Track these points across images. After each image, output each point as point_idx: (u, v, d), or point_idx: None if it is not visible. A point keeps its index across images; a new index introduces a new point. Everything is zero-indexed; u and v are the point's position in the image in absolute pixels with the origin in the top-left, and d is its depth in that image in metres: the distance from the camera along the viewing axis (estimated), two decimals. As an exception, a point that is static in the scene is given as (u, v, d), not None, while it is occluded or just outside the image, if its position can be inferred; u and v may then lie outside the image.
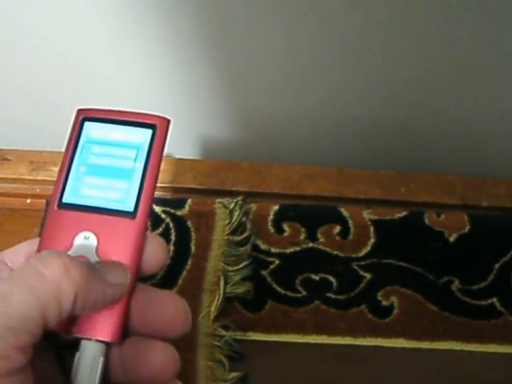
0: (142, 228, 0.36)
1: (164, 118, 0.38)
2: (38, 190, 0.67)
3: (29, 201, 0.68)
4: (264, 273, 0.61)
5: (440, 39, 0.60)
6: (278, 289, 0.60)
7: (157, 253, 0.36)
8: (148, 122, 0.38)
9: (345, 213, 0.64)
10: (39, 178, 0.67)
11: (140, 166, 0.37)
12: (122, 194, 0.36)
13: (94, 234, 0.36)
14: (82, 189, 0.37)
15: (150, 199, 0.37)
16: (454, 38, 0.60)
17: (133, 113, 0.38)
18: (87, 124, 0.38)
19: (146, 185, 0.36)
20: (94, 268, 0.33)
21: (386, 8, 0.57)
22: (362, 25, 0.59)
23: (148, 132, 0.37)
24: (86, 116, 0.38)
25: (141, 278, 0.37)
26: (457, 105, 0.68)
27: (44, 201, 0.65)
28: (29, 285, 0.29)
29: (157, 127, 0.37)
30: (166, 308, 0.35)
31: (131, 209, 0.36)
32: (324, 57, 0.63)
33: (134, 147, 0.37)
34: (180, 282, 0.60)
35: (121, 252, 0.35)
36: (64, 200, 0.37)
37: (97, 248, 0.35)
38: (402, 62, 0.63)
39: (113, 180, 0.37)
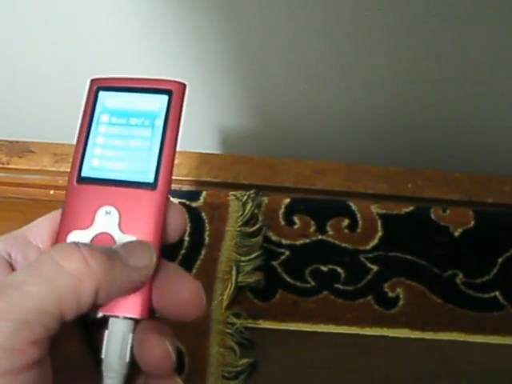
0: (163, 199, 0.34)
1: (179, 83, 0.36)
2: (60, 182, 0.68)
3: (52, 192, 0.69)
4: (275, 263, 0.62)
5: (450, 38, 0.61)
6: (288, 279, 0.61)
7: (176, 220, 0.35)
8: (163, 87, 0.36)
9: (353, 207, 0.64)
10: (62, 170, 0.68)
11: (158, 134, 0.35)
12: (141, 164, 0.35)
13: (116, 208, 0.34)
14: (101, 162, 0.35)
15: (170, 169, 0.35)
16: (464, 36, 0.61)
17: (148, 79, 0.36)
18: (102, 93, 0.36)
19: (164, 154, 0.35)
20: (115, 255, 0.31)
21: (396, 6, 0.58)
22: (373, 23, 0.60)
23: (164, 98, 0.36)
24: (100, 85, 0.37)
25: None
26: (463, 103, 0.68)
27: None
28: (46, 276, 0.28)
29: (173, 92, 0.36)
30: (182, 291, 0.33)
31: (151, 180, 0.35)
32: (336, 55, 0.64)
33: (150, 115, 0.36)
34: (194, 271, 0.61)
35: (144, 226, 0.34)
36: (83, 174, 0.35)
37: (119, 223, 0.34)
38: (410, 61, 0.64)
39: (131, 151, 0.35)
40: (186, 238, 0.63)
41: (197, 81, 0.69)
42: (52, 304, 0.28)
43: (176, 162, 0.67)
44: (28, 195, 0.70)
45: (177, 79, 0.36)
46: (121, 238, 0.34)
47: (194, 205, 0.65)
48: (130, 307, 0.33)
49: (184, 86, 0.36)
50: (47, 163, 0.70)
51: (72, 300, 0.29)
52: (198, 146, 0.71)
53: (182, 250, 0.62)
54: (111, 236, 0.34)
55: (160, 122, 0.35)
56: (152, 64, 0.68)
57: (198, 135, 0.75)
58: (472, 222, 0.64)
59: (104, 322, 0.33)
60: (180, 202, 0.65)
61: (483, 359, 0.58)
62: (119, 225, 0.34)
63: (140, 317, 0.33)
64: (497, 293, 0.61)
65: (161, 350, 0.33)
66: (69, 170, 0.36)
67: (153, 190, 0.34)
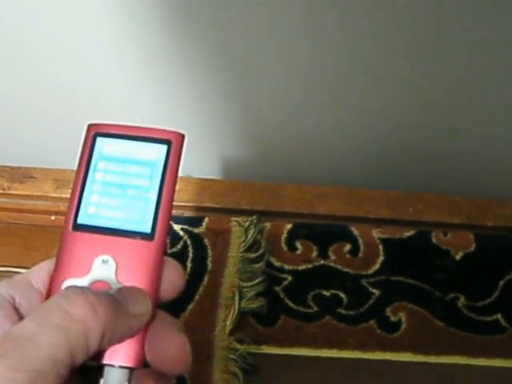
0: (159, 250, 0.34)
1: (179, 134, 0.36)
2: (62, 208, 0.68)
3: (53, 217, 0.69)
4: (277, 289, 0.62)
5: (452, 64, 0.61)
6: (291, 304, 0.61)
7: (174, 278, 0.35)
8: (162, 137, 0.36)
9: (355, 231, 0.65)
10: (63, 196, 0.68)
11: (156, 184, 0.35)
12: (139, 214, 0.35)
13: (113, 257, 0.34)
14: (97, 209, 0.35)
15: (168, 219, 0.35)
16: (466, 62, 0.61)
17: (146, 128, 0.36)
18: (99, 140, 0.36)
19: (162, 205, 0.35)
20: (118, 302, 0.32)
21: (400, 32, 0.59)
22: (375, 51, 0.61)
23: (163, 148, 0.36)
24: (98, 131, 0.36)
25: (158, 304, 0.36)
26: (464, 128, 0.68)
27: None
28: (56, 325, 0.29)
29: (172, 143, 0.36)
30: (167, 347, 0.33)
31: (148, 230, 0.34)
32: (337, 82, 0.65)
33: (148, 164, 0.35)
34: (197, 297, 0.61)
35: (140, 276, 0.34)
36: (79, 221, 0.35)
37: (116, 272, 0.34)
38: (410, 87, 0.64)
39: (128, 200, 0.35)
40: (189, 265, 0.63)
41: (199, 109, 0.70)
42: (64, 352, 0.28)
43: (178, 187, 0.68)
44: (29, 221, 0.69)
45: (176, 130, 0.36)
46: (117, 287, 0.34)
47: (196, 231, 0.65)
48: (125, 356, 0.33)
49: (183, 136, 0.36)
50: (49, 189, 0.69)
51: (82, 346, 0.29)
52: (201, 173, 0.71)
53: (185, 276, 0.62)
54: (108, 284, 0.34)
55: (158, 172, 0.35)
56: (156, 93, 0.68)
57: (201, 162, 0.75)
58: (473, 246, 0.64)
59: (99, 370, 0.33)
60: (182, 228, 0.65)
61: (486, 382, 0.58)
62: (116, 274, 0.34)
63: (135, 366, 0.33)
64: (499, 315, 0.61)
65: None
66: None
67: (150, 241, 0.34)
